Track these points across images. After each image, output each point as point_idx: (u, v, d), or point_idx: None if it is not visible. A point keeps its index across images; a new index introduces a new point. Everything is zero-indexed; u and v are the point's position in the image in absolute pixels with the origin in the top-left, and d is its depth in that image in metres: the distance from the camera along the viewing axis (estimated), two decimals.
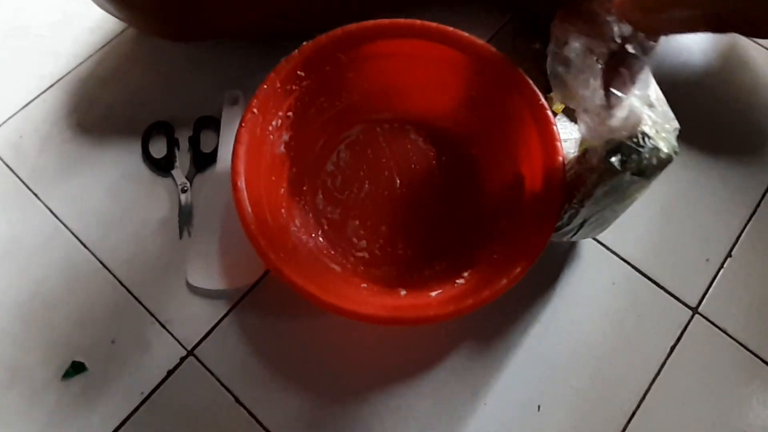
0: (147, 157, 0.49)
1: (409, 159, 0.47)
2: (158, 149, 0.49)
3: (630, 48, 0.34)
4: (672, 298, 0.45)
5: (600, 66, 0.34)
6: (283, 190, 0.44)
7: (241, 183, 0.38)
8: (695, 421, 0.41)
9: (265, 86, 0.41)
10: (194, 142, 0.49)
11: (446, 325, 0.42)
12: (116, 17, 0.50)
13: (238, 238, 0.41)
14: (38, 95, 0.52)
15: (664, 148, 0.33)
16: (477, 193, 0.46)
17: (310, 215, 0.45)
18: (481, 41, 0.42)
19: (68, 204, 0.48)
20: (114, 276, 0.45)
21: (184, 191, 0.48)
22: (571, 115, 0.47)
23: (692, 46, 0.55)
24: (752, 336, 0.43)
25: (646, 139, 0.32)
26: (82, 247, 0.46)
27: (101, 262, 0.45)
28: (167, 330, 0.43)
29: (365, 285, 0.41)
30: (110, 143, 0.50)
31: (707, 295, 0.45)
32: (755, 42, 0.56)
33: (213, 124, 0.50)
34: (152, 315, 0.44)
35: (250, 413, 0.41)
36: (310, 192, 0.46)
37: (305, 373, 0.42)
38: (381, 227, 0.45)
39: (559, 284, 0.45)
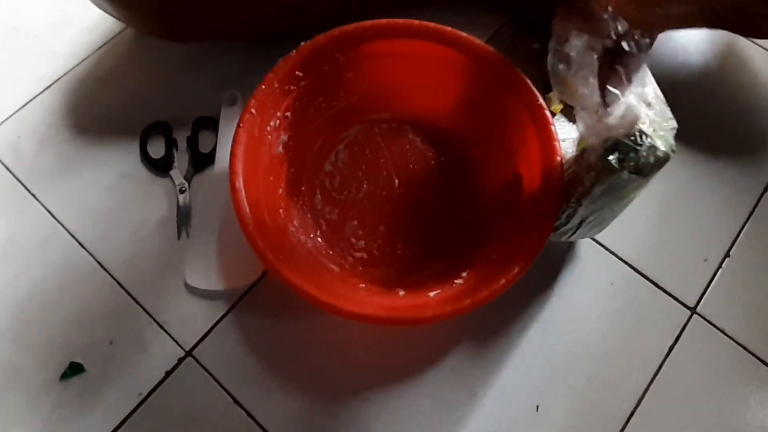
0: (145, 157, 0.49)
1: (407, 159, 0.47)
2: (156, 149, 0.49)
3: (625, 45, 0.34)
4: (670, 298, 0.45)
5: (597, 63, 0.34)
6: (281, 190, 0.44)
7: (240, 183, 0.38)
8: (694, 421, 0.41)
9: (263, 86, 0.41)
10: (192, 143, 0.49)
11: (445, 325, 0.42)
12: (114, 17, 0.50)
13: (237, 239, 0.41)
14: (36, 95, 0.52)
15: (662, 146, 0.33)
16: (475, 193, 0.46)
17: (309, 215, 0.45)
18: (479, 41, 0.42)
19: (66, 204, 0.47)
20: (112, 276, 0.45)
21: (182, 191, 0.48)
22: (569, 115, 0.47)
23: (690, 46, 0.55)
24: (750, 336, 0.43)
25: (644, 137, 0.32)
26: (80, 247, 0.46)
27: (99, 263, 0.45)
28: (165, 331, 0.43)
29: (364, 285, 0.41)
30: (108, 143, 0.50)
31: (705, 295, 0.45)
32: (753, 42, 0.56)
33: (211, 124, 0.50)
34: (150, 315, 0.44)
35: (249, 414, 0.41)
36: (308, 192, 0.46)
37: (304, 373, 0.42)
38: (379, 227, 0.45)
39: (558, 284, 0.45)
